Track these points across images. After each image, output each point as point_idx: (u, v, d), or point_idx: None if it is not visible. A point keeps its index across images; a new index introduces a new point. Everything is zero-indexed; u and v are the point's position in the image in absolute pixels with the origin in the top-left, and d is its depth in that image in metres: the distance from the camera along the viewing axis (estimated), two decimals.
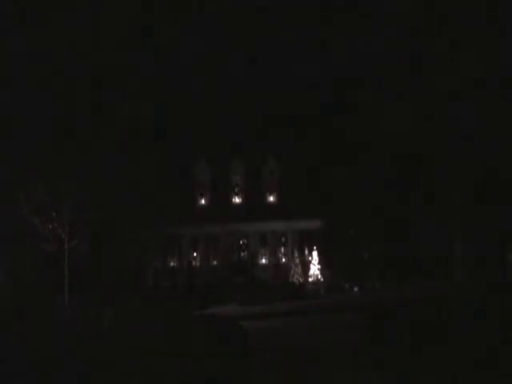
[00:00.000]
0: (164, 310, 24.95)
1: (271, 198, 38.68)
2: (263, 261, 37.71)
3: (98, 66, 36.07)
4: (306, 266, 34.83)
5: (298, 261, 34.81)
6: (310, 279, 34.47)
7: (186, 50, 41.12)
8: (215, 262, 38.03)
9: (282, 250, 37.19)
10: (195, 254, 38.33)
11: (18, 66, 34.15)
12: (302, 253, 35.97)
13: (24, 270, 30.81)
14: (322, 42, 39.74)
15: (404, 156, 34.68)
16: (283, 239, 37.74)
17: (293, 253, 35.84)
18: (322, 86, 38.91)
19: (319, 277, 34.38)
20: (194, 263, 37.47)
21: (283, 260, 36.19)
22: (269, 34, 41.07)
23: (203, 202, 39.37)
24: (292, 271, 34.76)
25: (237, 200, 39.10)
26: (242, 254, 38.29)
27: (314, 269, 34.60)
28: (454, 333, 15.45)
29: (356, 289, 32.61)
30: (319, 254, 34.88)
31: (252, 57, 41.46)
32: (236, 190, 39.14)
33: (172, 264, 38.18)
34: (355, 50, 36.91)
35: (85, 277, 30.80)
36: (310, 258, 35.34)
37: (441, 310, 19.26)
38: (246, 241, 38.31)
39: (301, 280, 34.25)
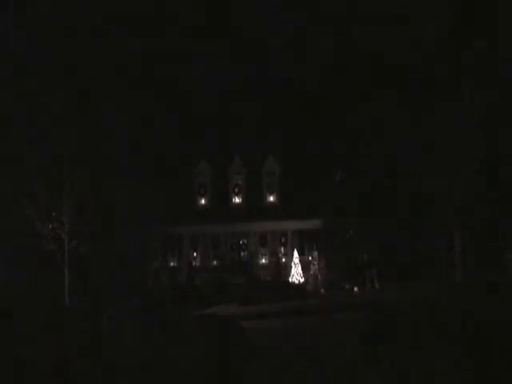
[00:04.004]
0: (164, 310, 24.95)
1: (271, 198, 38.67)
2: (263, 261, 37.71)
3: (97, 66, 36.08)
4: (306, 265, 34.84)
5: (297, 261, 34.83)
6: (310, 279, 34.49)
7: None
8: (215, 262, 38.03)
9: (282, 249, 37.16)
10: (195, 254, 38.33)
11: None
12: (302, 253, 35.97)
13: (24, 269, 30.80)
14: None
15: (403, 156, 34.67)
16: (283, 239, 37.73)
17: (293, 253, 35.81)
18: (322, 85, 38.97)
19: (319, 277, 34.38)
20: (193, 263, 37.45)
21: (283, 260, 36.15)
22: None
23: (203, 201, 39.36)
24: (292, 271, 34.79)
25: (237, 200, 39.08)
26: (242, 253, 38.30)
27: (314, 269, 34.61)
28: (454, 333, 15.46)
29: (356, 289, 32.59)
30: (319, 254, 34.89)
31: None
32: (236, 190, 39.12)
33: (172, 264, 38.17)
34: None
35: (85, 277, 30.82)
36: (309, 258, 35.35)
37: (440, 310, 19.27)
38: (245, 241, 38.31)
39: (301, 280, 34.29)
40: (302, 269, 34.64)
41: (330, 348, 16.47)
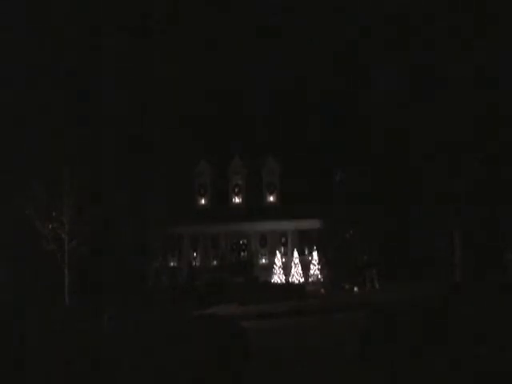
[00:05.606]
0: (164, 310, 24.94)
1: (271, 198, 38.65)
2: (263, 261, 37.70)
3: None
4: (306, 265, 34.85)
5: (297, 261, 34.84)
6: (310, 279, 34.50)
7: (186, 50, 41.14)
8: (215, 262, 38.01)
9: (282, 249, 37.15)
10: (195, 254, 38.32)
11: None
12: (302, 253, 35.97)
13: (24, 269, 30.82)
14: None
15: (403, 155, 34.69)
16: (283, 239, 37.71)
17: (293, 253, 35.81)
18: (322, 85, 38.97)
19: (319, 277, 34.40)
20: (193, 263, 37.44)
21: (283, 260, 36.13)
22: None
23: (203, 201, 39.34)
24: (292, 271, 34.80)
25: (237, 200, 39.06)
26: (242, 253, 38.28)
27: (314, 269, 34.64)
28: (454, 333, 15.44)
29: (356, 289, 32.60)
30: (319, 254, 34.89)
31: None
32: (236, 190, 39.11)
33: (172, 264, 38.16)
34: None
35: (85, 277, 30.83)
36: (310, 258, 35.37)
37: (440, 310, 19.24)
38: (245, 241, 38.30)
39: (301, 280, 34.29)
40: (302, 269, 34.67)
41: (329, 348, 16.48)
